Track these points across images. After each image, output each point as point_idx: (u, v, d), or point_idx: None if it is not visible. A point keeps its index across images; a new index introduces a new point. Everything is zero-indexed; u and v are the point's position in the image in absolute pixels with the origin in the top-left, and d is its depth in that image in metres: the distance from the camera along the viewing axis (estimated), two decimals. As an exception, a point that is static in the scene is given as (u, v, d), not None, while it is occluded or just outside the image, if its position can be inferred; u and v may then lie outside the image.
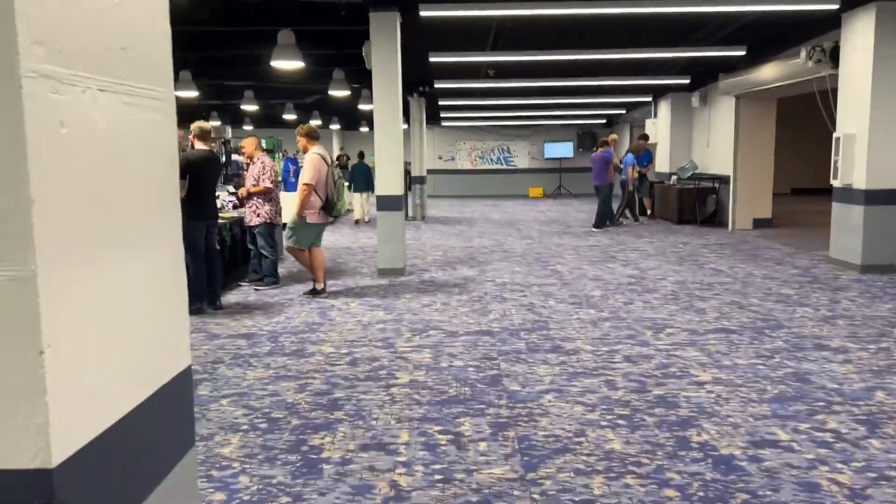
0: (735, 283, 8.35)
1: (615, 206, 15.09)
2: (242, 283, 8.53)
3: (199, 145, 7.06)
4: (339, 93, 15.53)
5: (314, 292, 7.83)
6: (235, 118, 27.09)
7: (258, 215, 8.25)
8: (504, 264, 9.99)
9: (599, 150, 14.33)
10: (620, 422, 4.15)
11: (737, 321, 6.50)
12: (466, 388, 4.75)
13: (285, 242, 7.80)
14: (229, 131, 25.62)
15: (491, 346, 5.76)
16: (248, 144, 8.45)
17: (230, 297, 7.83)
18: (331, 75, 15.90)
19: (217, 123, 27.21)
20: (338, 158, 21.24)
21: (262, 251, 8.35)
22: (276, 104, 27.14)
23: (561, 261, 10.23)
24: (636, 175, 15.44)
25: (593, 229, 14.15)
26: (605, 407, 4.38)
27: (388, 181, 8.97)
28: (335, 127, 38.17)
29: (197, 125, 7.01)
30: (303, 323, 6.64)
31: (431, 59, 11.91)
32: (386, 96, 8.87)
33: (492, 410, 4.35)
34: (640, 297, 7.62)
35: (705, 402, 4.45)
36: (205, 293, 7.11)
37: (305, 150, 7.75)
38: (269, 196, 8.30)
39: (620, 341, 5.87)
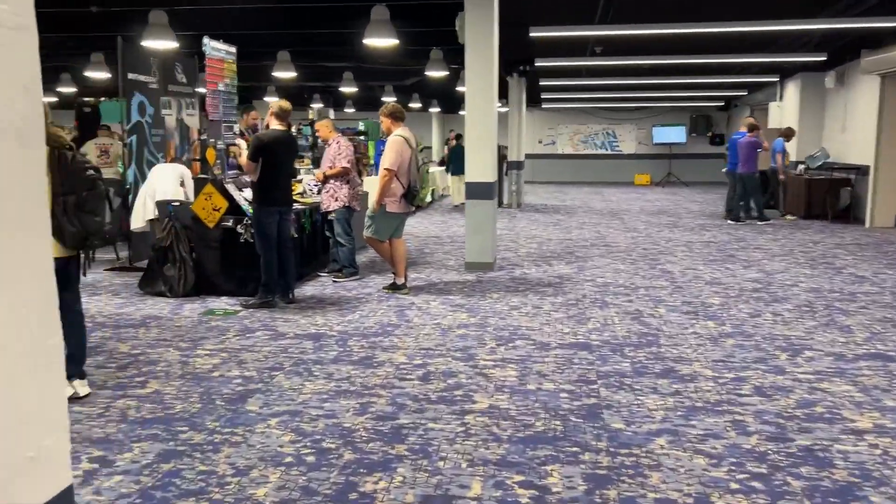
0: (883, 293, 7.06)
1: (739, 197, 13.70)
2: (322, 274, 7.98)
3: (276, 125, 6.49)
4: (437, 73, 14.84)
5: (394, 287, 7.15)
6: (337, 101, 26.96)
7: (335, 199, 7.64)
8: (606, 261, 9.01)
9: (748, 133, 12.92)
10: (756, 484, 3.21)
11: (894, 344, 5.33)
12: (557, 422, 3.91)
13: (364, 232, 7.16)
14: (332, 114, 25.56)
15: (589, 365, 4.89)
16: (323, 127, 7.85)
17: (307, 290, 7.27)
18: (428, 55, 15.27)
19: (319, 106, 27.26)
20: (446, 142, 20.66)
21: (339, 239, 7.75)
22: (376, 86, 26.90)
23: (671, 259, 9.14)
24: (787, 163, 13.99)
25: (730, 221, 12.89)
26: (734, 460, 3.45)
27: (478, 167, 8.17)
28: (435, 110, 37.64)
29: (277, 103, 6.43)
30: (377, 323, 5.97)
31: (532, 34, 10.97)
32: (479, 73, 8.05)
33: (588, 456, 3.50)
34: (769, 307, 6.50)
35: (868, 461, 3.43)
36: (276, 285, 6.57)
37: (389, 132, 7.05)
38: (346, 178, 7.68)
39: (748, 366, 4.86)
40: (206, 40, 6.61)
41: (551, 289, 7.34)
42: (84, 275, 4.29)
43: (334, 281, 7.77)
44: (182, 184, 7.49)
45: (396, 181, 6.87)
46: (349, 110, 31.14)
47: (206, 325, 5.88)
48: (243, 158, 6.44)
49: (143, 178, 8.07)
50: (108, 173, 9.11)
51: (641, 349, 5.25)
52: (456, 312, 6.35)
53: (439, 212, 15.07)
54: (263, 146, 6.32)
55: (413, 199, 6.98)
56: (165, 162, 8.26)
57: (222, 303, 6.68)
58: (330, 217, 7.75)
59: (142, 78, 8.23)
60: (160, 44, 10.87)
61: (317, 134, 8.13)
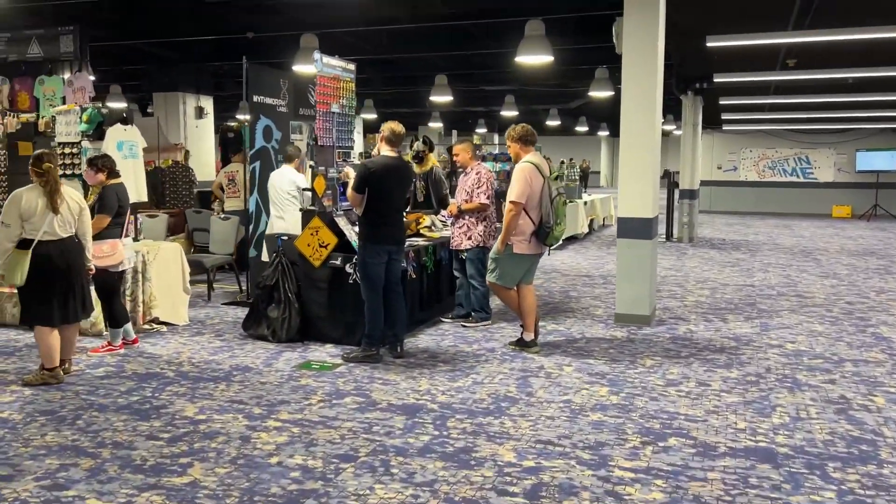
0: None
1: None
2: (445, 319, 6.96)
3: (386, 151, 5.58)
4: (602, 93, 13.53)
5: (521, 344, 5.96)
6: (501, 126, 26.20)
7: (469, 238, 6.62)
8: (797, 318, 7.23)
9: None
10: None
11: None
12: None
13: (487, 277, 6.05)
14: (496, 139, 24.88)
15: (773, 492, 3.42)
16: (462, 151, 6.86)
17: (421, 340, 6.27)
18: (593, 74, 14.00)
19: (483, 131, 26.68)
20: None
21: (472, 281, 6.71)
22: (539, 109, 25.86)
23: (887, 319, 7.18)
24: None
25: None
26: None
27: (634, 199, 6.80)
28: (603, 134, 36.02)
29: (387, 125, 5.54)
30: (491, 395, 4.81)
31: (710, 44, 9.39)
32: (639, 88, 6.71)
33: None
34: None
35: None
36: (380, 336, 5.62)
37: (517, 159, 5.92)
38: (483, 215, 6.63)
39: None
40: (317, 55, 5.87)
41: (724, 356, 5.80)
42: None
43: (464, 325, 6.73)
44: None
45: (525, 216, 5.71)
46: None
47: (294, 384, 5.03)
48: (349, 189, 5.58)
49: (266, 208, 7.52)
50: (233, 203, 8.73)
51: (851, 466, 3.68)
52: (594, 385, 5.04)
53: (597, 244, 13.62)
54: (370, 176, 5.42)
55: (546, 237, 5.77)
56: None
57: (324, 353, 5.84)
58: (462, 256, 6.74)
59: (269, 101, 7.72)
60: (307, 68, 10.56)
61: (455, 159, 7.17)
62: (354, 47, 12.90)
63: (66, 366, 5.17)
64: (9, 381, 4.99)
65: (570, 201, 13.62)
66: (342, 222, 6.03)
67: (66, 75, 8.88)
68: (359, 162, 7.38)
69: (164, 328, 6.57)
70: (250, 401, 4.68)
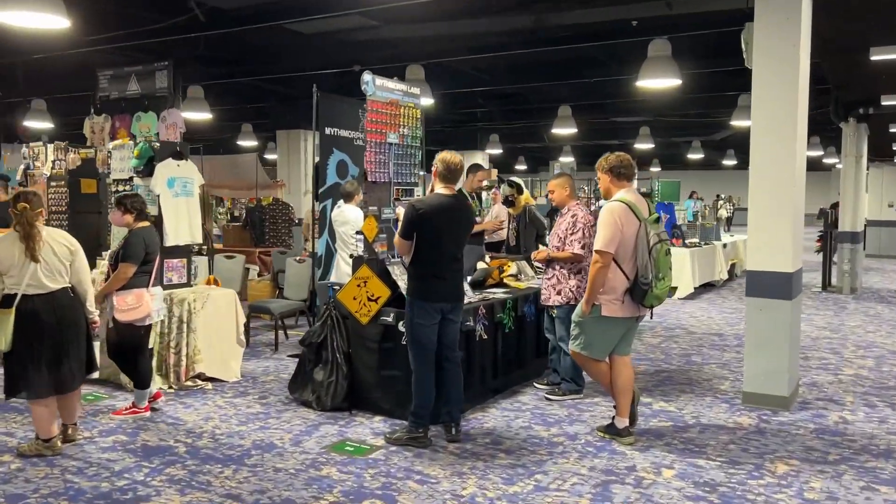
0: None
1: None
2: (539, 385, 5.83)
3: (441, 188, 4.60)
4: (745, 122, 11.94)
5: (612, 431, 4.71)
6: (640, 161, 24.57)
7: (558, 292, 5.47)
8: None
9: None
10: None
11: None
12: None
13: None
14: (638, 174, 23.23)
15: None
16: (558, 187, 5.76)
17: (489, 418, 5.18)
18: (736, 102, 12.43)
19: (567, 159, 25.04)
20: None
21: (561, 344, 5.55)
22: (680, 142, 24.00)
23: None
24: None
25: None
26: None
27: (766, 248, 5.36)
28: (754, 167, 33.10)
29: (440, 157, 4.57)
30: (553, 510, 3.64)
31: (874, 58, 7.73)
32: (772, 110, 5.32)
33: None
34: None
35: None
36: (430, 415, 4.59)
37: (608, 195, 4.73)
38: (577, 267, 5.47)
39: None
40: (367, 77, 5.02)
41: (890, 465, 4.26)
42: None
43: (547, 398, 5.57)
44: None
45: (616, 270, 4.51)
46: (654, 169, 28.39)
47: (313, 474, 4.09)
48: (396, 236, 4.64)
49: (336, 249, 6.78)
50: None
51: None
52: (699, 503, 3.73)
53: (737, 293, 11.81)
54: (418, 218, 4.45)
55: (644, 296, 4.52)
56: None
57: (369, 428, 4.88)
58: (552, 313, 5.61)
59: (344, 133, 7.01)
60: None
61: (550, 197, 6.09)
62: (473, 78, 12.13)
63: (70, 432, 4.54)
64: (8, 448, 4.41)
65: (702, 243, 11.99)
66: (396, 271, 5.10)
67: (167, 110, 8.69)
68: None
69: (209, 385, 5.90)
70: (249, 497, 3.79)
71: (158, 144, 6.03)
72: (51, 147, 6.84)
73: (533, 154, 27.74)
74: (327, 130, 6.83)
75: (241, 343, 6.26)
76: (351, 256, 6.18)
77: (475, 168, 7.53)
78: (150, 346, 5.73)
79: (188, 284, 6.12)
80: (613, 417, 4.78)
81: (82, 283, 4.37)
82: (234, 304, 6.22)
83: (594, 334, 4.64)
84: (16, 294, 4.10)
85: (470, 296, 5.46)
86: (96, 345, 4.58)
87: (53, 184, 6.68)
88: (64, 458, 4.29)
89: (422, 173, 5.85)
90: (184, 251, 6.09)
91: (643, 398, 5.45)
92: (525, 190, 7.24)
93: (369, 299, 5.05)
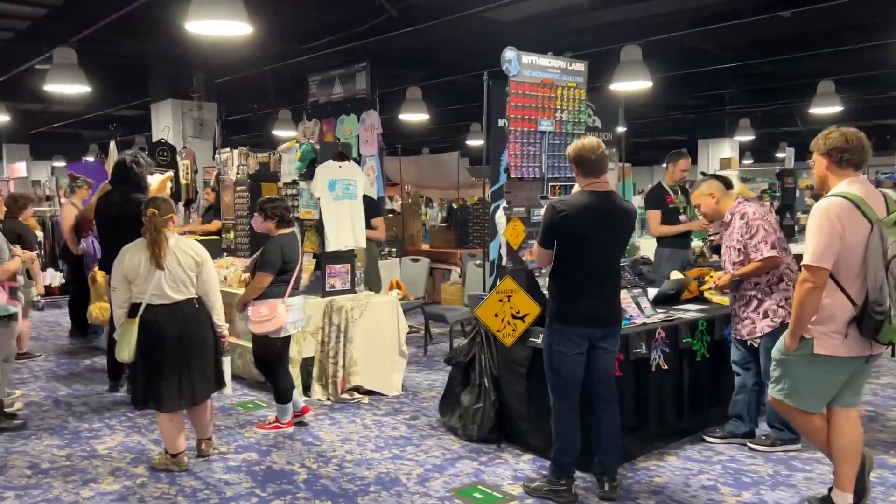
0: None
1: None
2: (710, 438, 4.58)
3: (585, 185, 3.68)
4: None
5: (826, 509, 3.46)
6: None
7: (761, 314, 4.25)
8: None
9: None
10: None
11: None
12: None
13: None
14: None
15: None
16: (702, 198, 4.51)
17: (663, 471, 4.15)
18: None
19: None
20: None
21: (763, 380, 4.30)
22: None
23: None
24: None
25: None
26: None
27: None
28: None
29: (572, 146, 3.65)
30: None
31: None
32: None
33: None
34: None
35: None
36: (574, 462, 3.72)
37: (824, 189, 3.45)
38: (776, 275, 4.22)
39: None
40: (509, 53, 4.22)
41: None
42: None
43: (750, 447, 4.39)
44: None
45: (835, 291, 3.26)
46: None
47: (422, 526, 3.47)
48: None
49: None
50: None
51: None
52: None
53: None
54: (559, 222, 3.59)
55: (878, 328, 3.21)
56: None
57: (511, 469, 4.14)
58: (754, 344, 4.38)
59: (522, 124, 6.26)
60: (628, 85, 8.84)
61: (699, 212, 4.81)
62: (712, 56, 10.67)
63: (203, 447, 4.40)
64: (147, 459, 4.38)
65: None
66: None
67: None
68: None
69: (366, 399, 5.54)
70: (339, 549, 3.27)
71: (319, 146, 5.80)
72: (236, 152, 7.01)
73: (795, 139, 24.32)
74: (500, 122, 6.14)
75: (403, 355, 5.83)
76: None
77: (676, 156, 6.39)
78: (308, 355, 5.56)
79: (352, 291, 5.83)
80: (830, 489, 3.51)
81: (209, 294, 4.18)
82: (396, 313, 5.81)
83: (803, 378, 3.42)
84: (140, 304, 4.01)
85: (644, 315, 4.45)
86: (226, 359, 4.38)
87: (239, 188, 6.81)
88: (187, 475, 4.14)
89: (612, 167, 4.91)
90: (346, 256, 5.81)
91: (878, 465, 4.03)
92: (739, 184, 5.91)
93: (514, 317, 4.28)
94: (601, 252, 3.66)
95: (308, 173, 5.78)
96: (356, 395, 5.56)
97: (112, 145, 9.98)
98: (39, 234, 8.86)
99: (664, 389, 4.43)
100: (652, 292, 5.08)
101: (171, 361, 4.02)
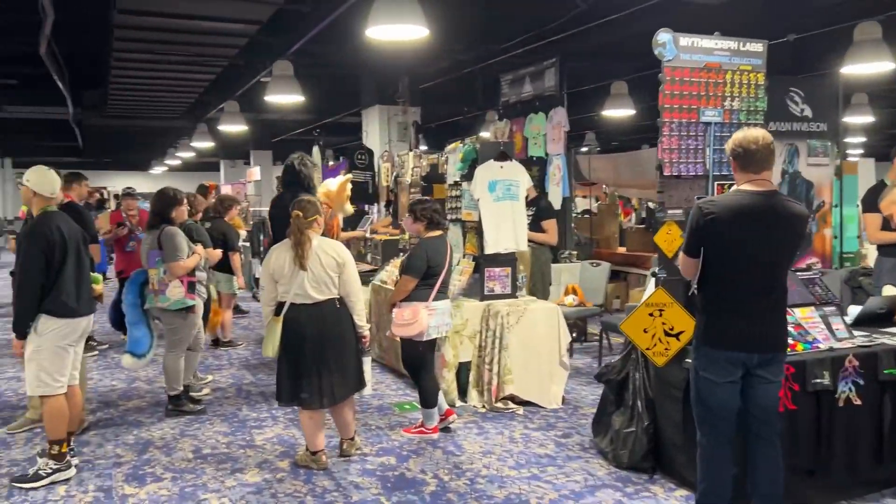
0: None
1: None
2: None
3: (744, 183, 3.11)
4: None
5: None
6: None
7: None
8: None
9: None
10: None
11: None
12: None
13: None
14: None
15: None
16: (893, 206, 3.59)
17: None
18: None
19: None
20: None
21: None
22: None
23: None
24: None
25: None
26: None
27: None
28: None
29: (734, 137, 3.09)
30: None
31: None
32: None
33: None
34: None
35: None
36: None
37: None
38: None
39: None
40: (664, 36, 3.69)
41: None
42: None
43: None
44: None
45: None
46: None
47: (537, 560, 3.16)
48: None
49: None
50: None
51: None
52: None
53: None
54: (707, 225, 3.07)
55: None
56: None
57: (657, 506, 3.66)
58: None
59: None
60: (864, 67, 7.64)
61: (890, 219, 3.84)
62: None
63: (345, 447, 4.43)
64: (294, 453, 4.51)
65: None
66: (710, 299, 3.69)
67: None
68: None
69: (521, 410, 5.28)
70: (440, 573, 3.07)
71: (480, 146, 5.64)
72: (411, 154, 7.08)
73: None
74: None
75: (563, 366, 5.48)
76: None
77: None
78: (466, 359, 5.43)
79: (512, 296, 5.60)
80: None
81: (350, 295, 4.19)
82: (557, 320, 5.47)
83: None
84: (284, 302, 4.13)
85: (834, 338, 3.70)
86: (366, 360, 4.37)
87: (413, 189, 6.87)
88: (324, 474, 4.18)
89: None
90: (507, 260, 5.58)
91: None
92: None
93: (667, 333, 3.79)
94: (759, 262, 3.07)
95: (469, 174, 5.65)
96: (511, 404, 5.32)
97: (315, 149, 10.64)
98: (243, 233, 9.64)
99: (856, 429, 3.66)
100: (854, 311, 4.26)
101: (311, 360, 4.09)
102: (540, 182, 8.89)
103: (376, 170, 9.68)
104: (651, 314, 3.83)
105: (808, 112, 6.19)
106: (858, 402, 3.60)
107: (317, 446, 4.26)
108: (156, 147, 23.57)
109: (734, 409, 3.15)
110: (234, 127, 12.76)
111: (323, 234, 5.53)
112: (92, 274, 4.48)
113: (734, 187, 3.23)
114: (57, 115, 15.04)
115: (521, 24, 9.02)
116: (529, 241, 5.90)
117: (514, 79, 9.62)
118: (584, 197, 12.80)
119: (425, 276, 4.60)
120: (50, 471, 4.06)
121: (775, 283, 3.12)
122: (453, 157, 5.97)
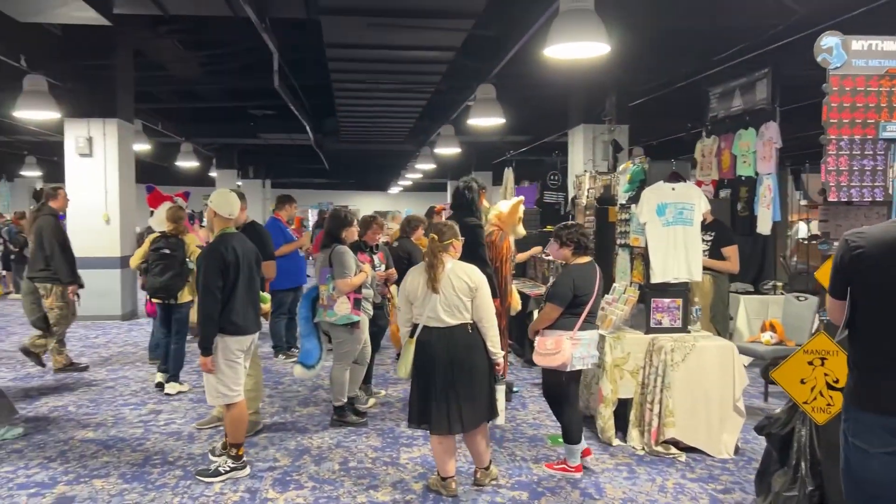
0: None
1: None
2: None
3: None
4: None
5: None
6: None
7: None
8: None
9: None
10: None
11: None
12: None
13: None
14: None
15: None
16: None
17: None
18: None
19: None
20: None
21: None
22: None
23: None
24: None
25: None
26: None
27: None
28: None
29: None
30: None
31: None
32: None
33: None
34: None
35: None
36: None
37: None
38: None
39: None
40: (831, 40, 3.08)
41: None
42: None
43: None
44: None
45: None
46: None
47: None
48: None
49: None
50: None
51: None
52: None
53: None
54: (853, 262, 2.55)
55: None
56: None
57: (810, 591, 3.09)
58: None
59: None
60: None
61: None
62: None
63: (479, 476, 4.33)
64: (429, 476, 4.50)
65: None
66: (887, 349, 3.06)
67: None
68: None
69: (683, 457, 4.78)
70: None
71: (648, 166, 5.24)
72: (587, 175, 6.79)
73: None
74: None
75: (739, 412, 4.87)
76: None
77: None
78: (626, 396, 5.07)
79: (683, 330, 5.12)
80: None
81: (483, 321, 4.11)
82: (732, 360, 4.89)
83: None
84: (417, 324, 4.16)
85: None
86: (500, 388, 4.24)
87: (588, 212, 6.59)
88: (451, 501, 4.12)
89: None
90: (677, 290, 5.12)
91: None
92: None
93: (830, 387, 3.20)
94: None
95: (637, 196, 5.28)
96: (673, 449, 4.84)
97: (507, 171, 10.67)
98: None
99: None
100: None
101: (440, 384, 4.06)
102: (748, 204, 8.11)
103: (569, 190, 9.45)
104: (811, 362, 3.26)
105: None
106: None
107: (447, 472, 4.21)
108: (388, 169, 25.38)
109: (892, 486, 2.55)
110: (449, 149, 13.28)
111: (494, 256, 5.55)
112: (261, 293, 4.87)
113: (898, 216, 2.65)
114: (301, 141, 16.81)
115: (731, 35, 8.35)
116: (707, 269, 5.36)
117: (723, 92, 8.88)
118: (793, 221, 11.38)
119: (571, 305, 4.36)
120: (228, 468, 4.47)
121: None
122: (623, 178, 5.63)
